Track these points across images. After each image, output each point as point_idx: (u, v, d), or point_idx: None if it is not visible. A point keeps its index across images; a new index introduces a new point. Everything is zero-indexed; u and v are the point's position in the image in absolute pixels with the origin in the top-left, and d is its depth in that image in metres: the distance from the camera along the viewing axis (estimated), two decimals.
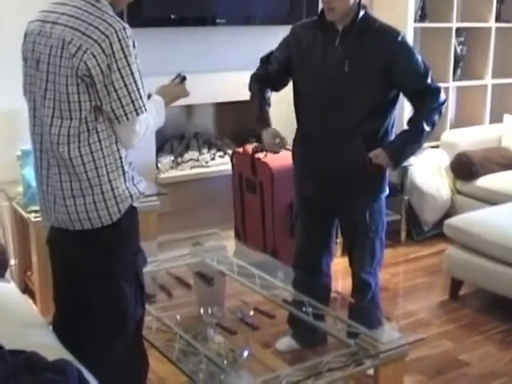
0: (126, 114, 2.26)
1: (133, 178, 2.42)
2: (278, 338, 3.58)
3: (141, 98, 2.28)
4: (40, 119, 2.36)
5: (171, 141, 5.05)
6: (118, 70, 2.22)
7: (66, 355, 2.32)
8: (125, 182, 2.37)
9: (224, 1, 4.76)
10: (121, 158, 2.36)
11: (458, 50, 5.72)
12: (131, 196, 2.39)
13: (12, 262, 4.07)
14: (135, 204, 2.43)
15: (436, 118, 3.17)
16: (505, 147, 5.56)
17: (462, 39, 5.75)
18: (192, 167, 4.94)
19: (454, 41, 5.56)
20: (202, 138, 5.16)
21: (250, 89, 3.44)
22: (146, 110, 2.31)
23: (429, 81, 3.15)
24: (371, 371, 2.74)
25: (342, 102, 3.14)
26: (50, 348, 2.37)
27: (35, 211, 3.56)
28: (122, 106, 2.25)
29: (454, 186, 5.37)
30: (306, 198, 3.41)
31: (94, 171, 2.31)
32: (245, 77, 4.85)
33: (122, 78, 2.23)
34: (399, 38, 3.11)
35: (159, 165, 4.81)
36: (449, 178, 5.38)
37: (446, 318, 4.10)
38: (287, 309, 3.19)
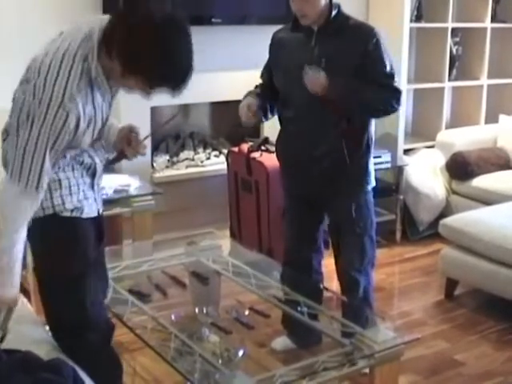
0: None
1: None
2: (273, 337, 3.58)
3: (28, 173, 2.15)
4: None
5: (166, 140, 5.05)
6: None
7: (61, 354, 2.32)
8: None
9: (220, 0, 4.76)
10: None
11: (454, 51, 5.72)
12: None
13: None
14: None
15: (386, 103, 3.19)
16: (500, 147, 5.57)
17: (458, 39, 5.75)
18: (187, 167, 4.93)
19: (449, 41, 5.56)
20: (197, 137, 5.16)
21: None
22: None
23: (393, 81, 3.19)
24: (366, 370, 2.74)
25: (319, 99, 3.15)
26: (45, 347, 2.36)
27: None
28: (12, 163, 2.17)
29: (450, 185, 5.38)
30: (293, 195, 3.43)
31: None
32: (240, 76, 4.88)
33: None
34: (374, 35, 3.15)
35: (154, 164, 4.80)
36: (444, 177, 5.39)
37: (441, 317, 4.11)
38: (282, 308, 3.19)
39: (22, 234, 2.19)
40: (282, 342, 3.57)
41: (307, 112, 3.21)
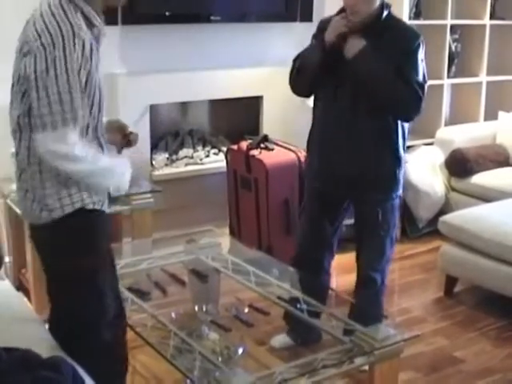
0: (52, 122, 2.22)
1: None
2: (272, 335, 3.58)
3: (71, 111, 2.21)
4: None
5: (166, 138, 5.04)
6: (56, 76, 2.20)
7: (61, 352, 2.32)
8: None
9: None
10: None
11: (453, 47, 5.72)
12: None
13: (7, 259, 4.07)
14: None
15: (407, 102, 3.16)
16: (499, 144, 5.57)
17: (457, 36, 5.75)
18: (186, 164, 4.93)
19: (448, 38, 5.56)
20: (196, 135, 5.15)
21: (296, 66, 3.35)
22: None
23: (421, 90, 3.15)
24: (365, 367, 2.74)
25: (356, 95, 3.16)
26: (45, 345, 2.37)
27: None
28: (51, 114, 2.21)
29: (449, 183, 5.38)
30: (319, 193, 3.42)
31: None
32: (240, 74, 4.88)
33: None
34: (417, 40, 3.16)
35: (154, 162, 4.80)
36: (443, 175, 5.39)
37: (440, 314, 4.11)
38: (282, 306, 3.19)
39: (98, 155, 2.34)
40: (281, 339, 3.57)
41: (341, 107, 3.21)
